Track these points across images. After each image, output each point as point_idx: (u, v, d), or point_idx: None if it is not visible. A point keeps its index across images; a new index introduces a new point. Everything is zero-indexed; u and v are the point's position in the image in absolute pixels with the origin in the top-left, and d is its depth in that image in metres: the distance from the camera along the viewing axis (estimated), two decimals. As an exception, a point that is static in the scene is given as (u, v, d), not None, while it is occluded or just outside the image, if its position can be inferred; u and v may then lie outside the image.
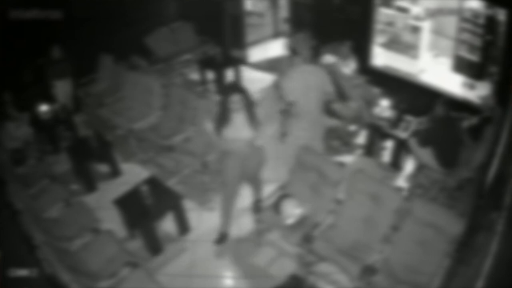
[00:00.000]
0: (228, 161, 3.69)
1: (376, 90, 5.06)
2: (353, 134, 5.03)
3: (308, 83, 3.88)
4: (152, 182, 4.05)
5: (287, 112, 4.92)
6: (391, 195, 3.41)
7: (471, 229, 2.99)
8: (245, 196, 4.12)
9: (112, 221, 3.90)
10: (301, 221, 3.59)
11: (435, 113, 4.07)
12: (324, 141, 4.44)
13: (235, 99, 3.53)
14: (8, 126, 4.85)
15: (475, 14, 4.41)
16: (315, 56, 4.74)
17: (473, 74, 4.63)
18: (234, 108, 3.53)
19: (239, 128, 3.57)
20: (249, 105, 3.60)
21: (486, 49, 4.43)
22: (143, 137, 5.04)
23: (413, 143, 4.28)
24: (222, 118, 3.58)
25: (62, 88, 5.66)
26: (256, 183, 4.02)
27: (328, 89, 4.04)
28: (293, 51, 4.13)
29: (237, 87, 3.70)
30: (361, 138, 5.02)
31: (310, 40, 4.49)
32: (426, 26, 4.87)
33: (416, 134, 4.35)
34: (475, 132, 4.09)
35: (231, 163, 3.68)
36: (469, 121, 4.28)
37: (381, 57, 5.43)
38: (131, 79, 5.58)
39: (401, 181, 4.50)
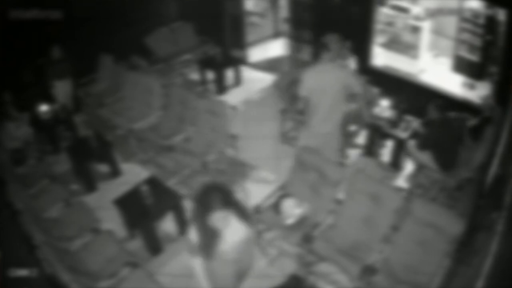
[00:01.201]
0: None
1: (376, 90, 5.06)
2: (353, 134, 5.03)
3: (325, 82, 3.86)
4: (152, 182, 4.05)
5: (290, 110, 4.93)
6: (391, 195, 3.41)
7: (471, 229, 2.99)
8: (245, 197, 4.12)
9: (112, 221, 3.90)
10: (301, 221, 3.58)
11: (429, 117, 4.07)
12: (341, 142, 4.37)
13: (220, 216, 2.42)
14: (8, 126, 4.85)
15: (475, 14, 4.41)
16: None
17: (473, 74, 4.62)
18: (221, 225, 2.49)
19: (234, 241, 2.61)
20: (241, 213, 2.58)
21: (486, 49, 4.43)
22: (143, 137, 5.04)
23: (411, 147, 4.28)
24: (210, 241, 2.57)
25: (62, 88, 5.66)
26: None
27: (351, 91, 3.98)
28: (325, 46, 4.12)
29: (219, 199, 2.42)
30: (361, 138, 5.02)
31: (339, 42, 4.49)
32: (426, 26, 4.87)
33: (414, 138, 4.35)
34: (475, 132, 4.09)
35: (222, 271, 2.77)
36: (469, 122, 4.28)
37: (381, 57, 5.42)
38: (131, 79, 5.58)
39: (401, 181, 4.50)
